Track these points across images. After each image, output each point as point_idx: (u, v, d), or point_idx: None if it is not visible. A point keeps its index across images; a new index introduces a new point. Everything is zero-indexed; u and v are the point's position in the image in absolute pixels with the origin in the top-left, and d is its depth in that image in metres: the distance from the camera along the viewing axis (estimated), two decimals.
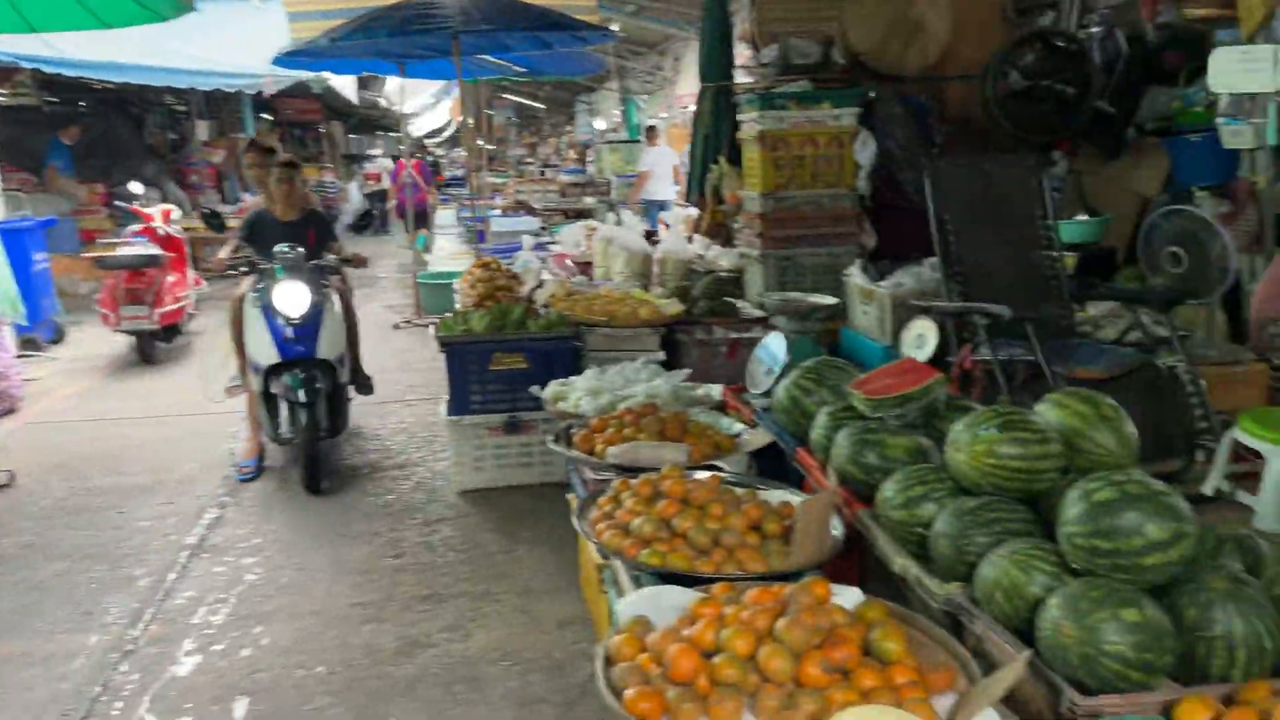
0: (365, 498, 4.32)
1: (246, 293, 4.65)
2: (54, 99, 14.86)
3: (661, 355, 4.10)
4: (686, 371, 3.68)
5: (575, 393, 3.39)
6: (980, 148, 5.85)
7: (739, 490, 2.38)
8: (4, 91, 13.32)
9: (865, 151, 5.15)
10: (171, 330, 7.29)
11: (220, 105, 13.88)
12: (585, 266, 6.32)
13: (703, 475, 2.54)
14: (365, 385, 5.27)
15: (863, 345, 4.54)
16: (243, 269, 4.78)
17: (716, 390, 3.52)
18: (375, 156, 21.55)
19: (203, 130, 12.15)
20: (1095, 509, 1.63)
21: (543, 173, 21.38)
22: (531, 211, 17.63)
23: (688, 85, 15.09)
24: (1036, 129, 5.48)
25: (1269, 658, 1.57)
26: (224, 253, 5.16)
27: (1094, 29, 5.70)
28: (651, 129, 12.98)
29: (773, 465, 2.77)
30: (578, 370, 4.03)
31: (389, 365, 7.01)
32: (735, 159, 5.68)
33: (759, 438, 2.79)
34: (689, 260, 5.59)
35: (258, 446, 4.74)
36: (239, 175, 14.17)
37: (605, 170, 14.32)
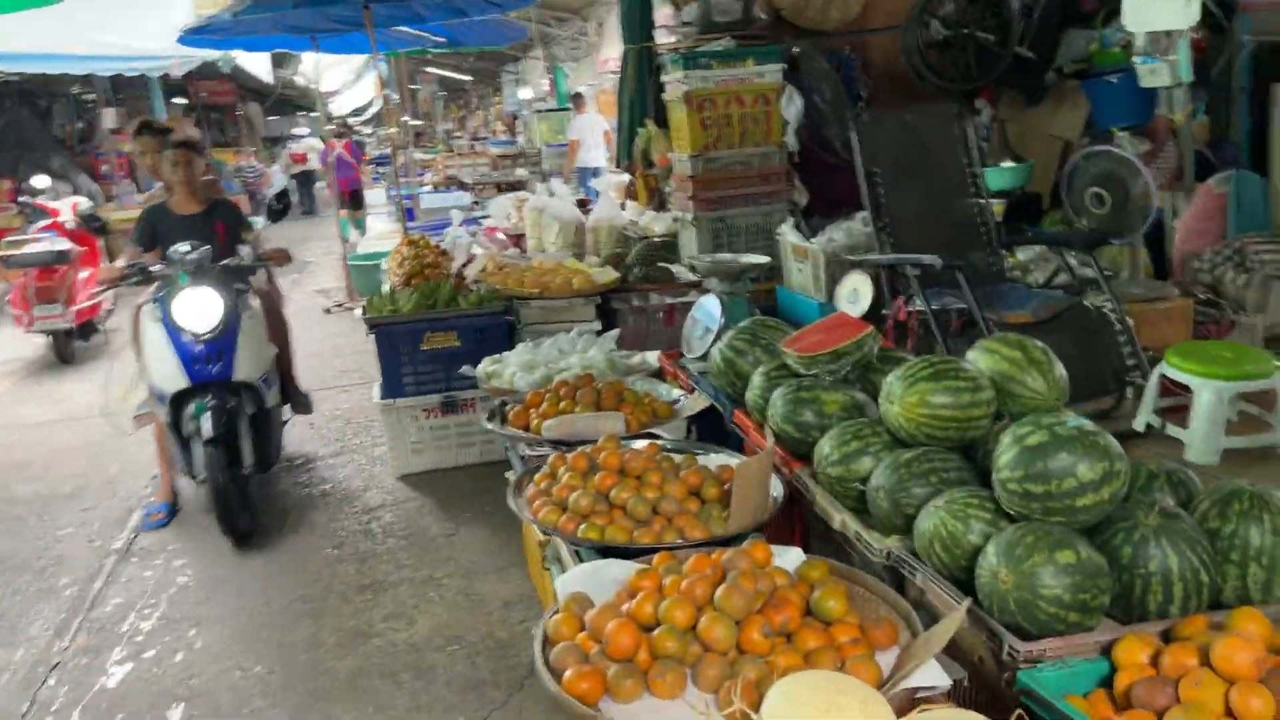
0: (301, 489, 4.20)
1: (144, 305, 3.91)
2: None
3: (597, 325, 4.03)
4: (616, 333, 3.61)
5: (509, 368, 3.31)
6: (906, 100, 5.85)
7: (677, 457, 2.33)
8: None
9: (791, 108, 5.10)
10: (88, 328, 7.00)
11: (128, 91, 13.31)
12: (518, 239, 6.20)
13: (640, 444, 2.49)
14: (303, 404, 4.58)
15: (799, 303, 4.53)
16: (133, 280, 3.86)
17: (653, 357, 3.46)
18: (301, 137, 20.91)
19: (110, 118, 11.62)
20: (1027, 453, 1.62)
21: (472, 146, 20.99)
22: (463, 186, 17.34)
23: (613, 50, 14.90)
24: (959, 78, 5.49)
25: (1206, 591, 1.58)
26: (121, 261, 4.06)
27: None
28: (578, 96, 12.80)
29: (712, 429, 2.73)
30: (513, 345, 3.95)
31: (322, 351, 6.83)
32: (663, 121, 5.60)
33: (696, 402, 2.75)
34: (622, 227, 5.52)
35: (169, 489, 4.06)
36: None
37: (536, 140, 14.09)
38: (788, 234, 4.68)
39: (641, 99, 5.75)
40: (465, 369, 3.46)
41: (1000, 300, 3.52)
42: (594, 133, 12.08)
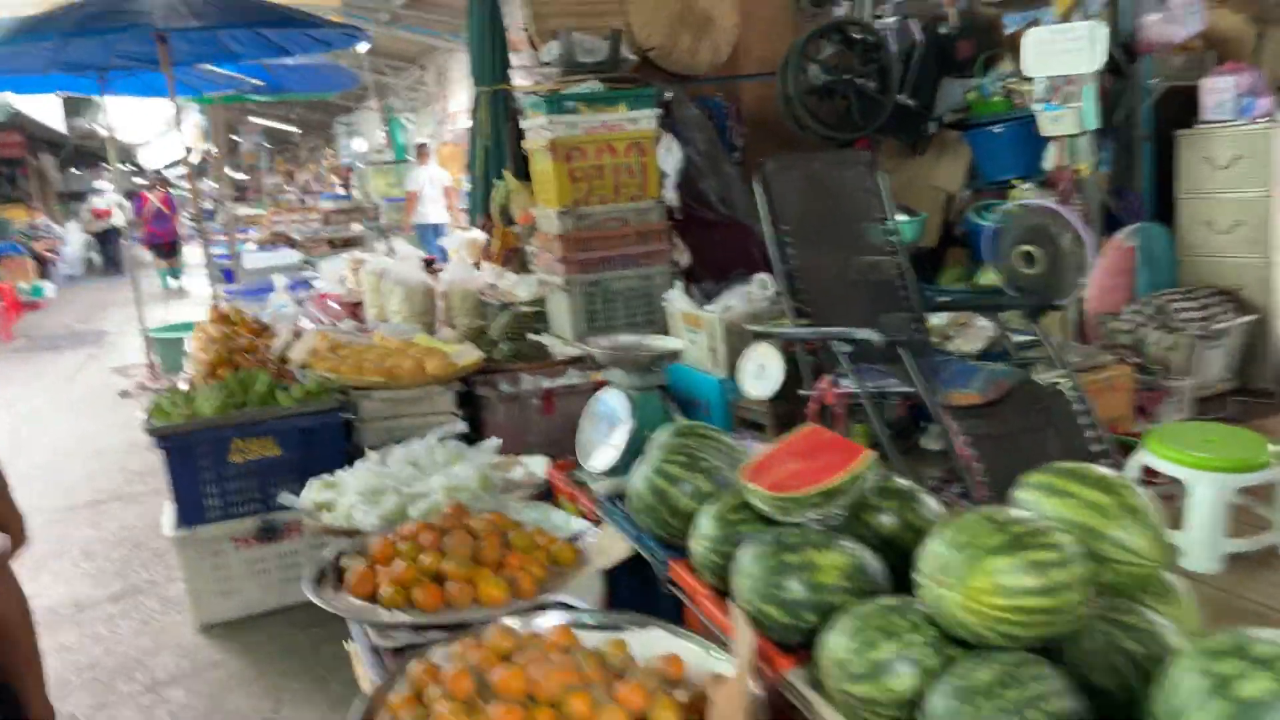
0: (64, 655, 3.14)
1: None
2: None
3: (460, 424, 3.23)
4: (496, 443, 2.85)
5: (346, 496, 2.48)
6: (781, 150, 5.45)
7: (605, 647, 1.60)
8: None
9: (671, 158, 4.53)
10: None
11: None
12: (354, 308, 5.31)
13: (544, 624, 1.74)
14: None
15: (695, 379, 3.91)
16: None
17: (539, 466, 2.72)
18: (103, 191, 18.88)
19: None
20: (1245, 713, 0.98)
21: (302, 201, 19.60)
22: (292, 244, 16.01)
23: (456, 101, 14.15)
24: (840, 126, 5.11)
25: None
26: None
27: (888, 19, 5.43)
28: (422, 147, 11.94)
29: (632, 582, 2.01)
30: (351, 454, 3.10)
31: (112, 446, 5.64)
32: (523, 173, 4.91)
33: (613, 546, 2.02)
34: (479, 292, 4.76)
35: None
36: None
37: (372, 194, 13.10)
38: (677, 300, 4.07)
39: (498, 147, 5.04)
40: (284, 498, 2.60)
41: (938, 376, 3.00)
42: (434, 186, 11.26)
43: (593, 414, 2.49)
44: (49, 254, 14.80)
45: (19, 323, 10.96)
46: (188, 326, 8.50)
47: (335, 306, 5.35)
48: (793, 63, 4.96)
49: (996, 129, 5.06)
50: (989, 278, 4.55)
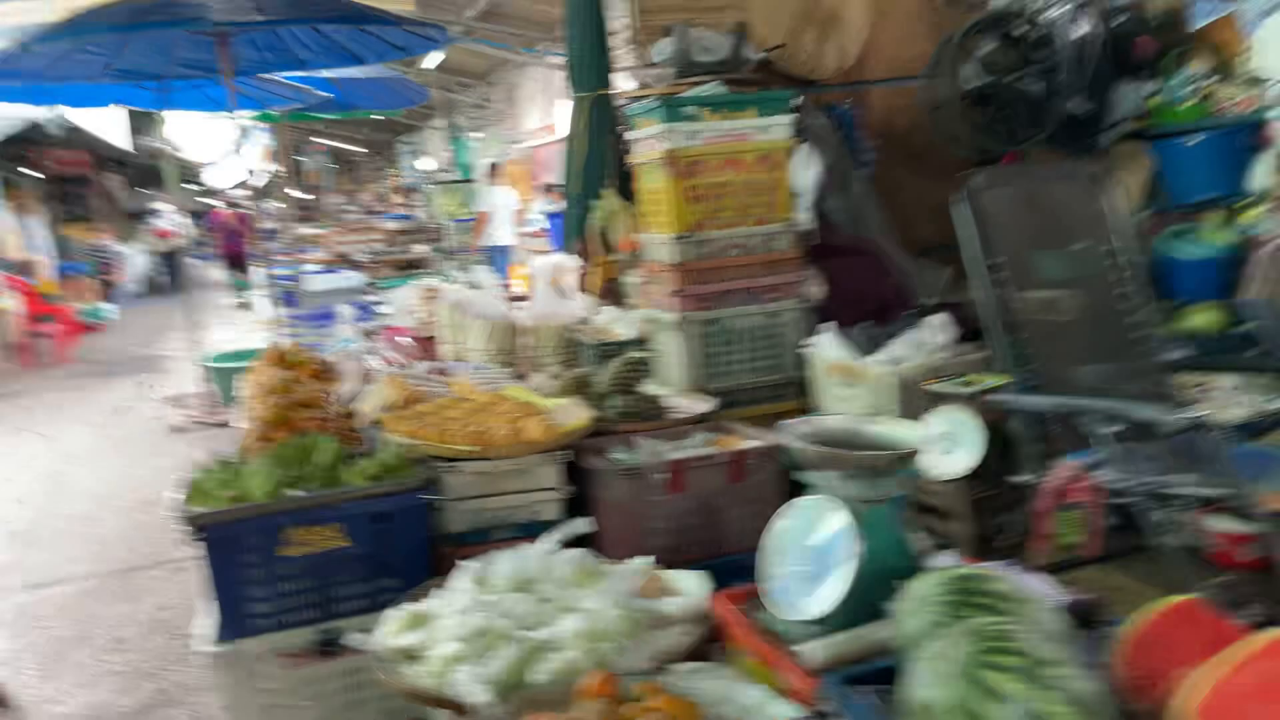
0: None
1: None
2: None
3: (582, 523, 2.45)
4: (645, 564, 2.09)
5: (441, 639, 1.76)
6: (915, 167, 4.69)
7: None
8: None
9: (809, 172, 3.80)
10: None
11: None
12: (427, 344, 4.65)
13: None
14: None
15: None
16: None
17: (696, 587, 1.98)
18: (162, 213, 18.81)
19: None
20: None
21: (365, 221, 19.28)
22: (354, 265, 15.61)
23: (527, 119, 13.63)
24: (1000, 137, 4.32)
25: None
26: None
27: (1052, 11, 4.63)
28: (495, 166, 11.38)
29: None
30: (435, 544, 2.40)
31: (157, 495, 5.05)
32: (626, 192, 4.22)
33: None
34: (570, 329, 4.07)
35: None
36: None
37: (438, 215, 12.58)
38: (827, 347, 3.32)
39: (598, 162, 4.36)
40: (351, 639, 1.90)
41: (1244, 468, 2.20)
42: (505, 209, 10.69)
43: (788, 530, 1.74)
44: (111, 275, 14.60)
45: (77, 346, 10.61)
46: (249, 354, 7.99)
47: (407, 342, 4.70)
48: (945, 64, 4.20)
49: (1190, 140, 4.22)
50: (1203, 319, 3.71)
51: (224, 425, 6.46)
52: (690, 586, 2.00)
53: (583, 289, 4.51)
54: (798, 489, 1.86)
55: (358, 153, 26.74)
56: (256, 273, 17.82)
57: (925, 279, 4.12)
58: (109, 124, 10.32)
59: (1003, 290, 2.49)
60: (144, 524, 4.62)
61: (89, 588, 3.85)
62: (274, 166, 20.69)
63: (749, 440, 2.89)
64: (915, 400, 2.92)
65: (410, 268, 14.73)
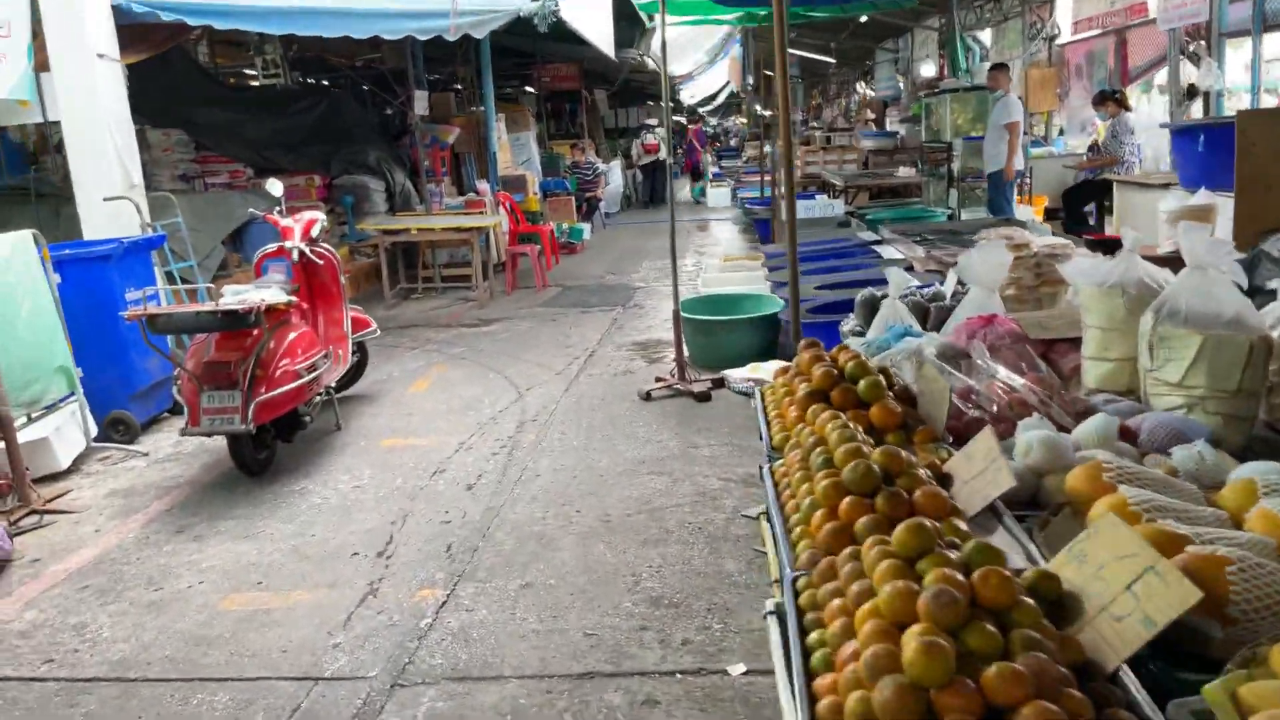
0: None
1: None
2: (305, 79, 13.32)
3: None
4: None
5: None
6: None
7: None
8: (252, 71, 11.83)
9: None
10: (292, 423, 4.55)
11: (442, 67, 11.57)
12: (1048, 348, 2.73)
13: None
14: None
15: None
16: None
17: None
18: (652, 127, 18.78)
19: (420, 102, 9.66)
20: None
21: (828, 139, 17.45)
22: (824, 188, 13.92)
23: (1061, 8, 10.71)
24: None
25: None
26: None
27: None
28: (1000, 68, 8.77)
29: None
30: None
31: (618, 516, 3.78)
32: None
33: None
34: None
35: None
36: (477, 157, 11.78)
37: (945, 130, 10.31)
38: None
39: None
40: None
41: None
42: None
43: None
44: (594, 193, 14.62)
45: (554, 269, 10.36)
46: (721, 300, 6.70)
47: (1011, 328, 2.81)
48: None
49: None
50: None
51: (702, 398, 5.21)
52: None
53: None
54: None
55: (828, 64, 24.90)
56: (713, 198, 17.69)
57: None
58: (593, 25, 9.48)
59: None
60: (605, 566, 3.36)
61: (512, 694, 2.62)
62: (747, 80, 19.77)
63: None
64: None
65: (893, 195, 12.66)
